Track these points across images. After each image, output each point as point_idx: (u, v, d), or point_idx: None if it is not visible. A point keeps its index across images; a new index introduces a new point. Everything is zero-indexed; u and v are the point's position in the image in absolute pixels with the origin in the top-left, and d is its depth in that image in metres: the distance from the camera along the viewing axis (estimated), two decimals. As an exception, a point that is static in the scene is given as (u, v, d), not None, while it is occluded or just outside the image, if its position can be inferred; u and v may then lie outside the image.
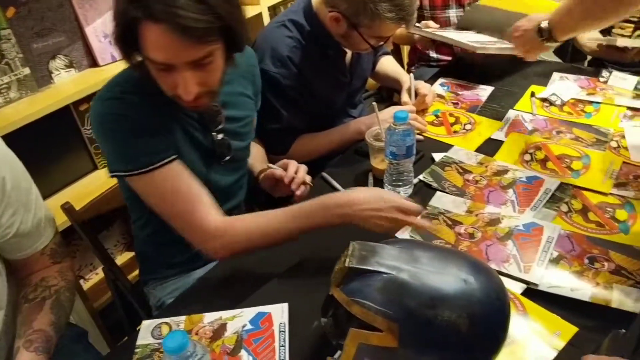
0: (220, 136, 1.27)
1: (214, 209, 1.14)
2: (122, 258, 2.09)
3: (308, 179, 1.36)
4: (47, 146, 1.81)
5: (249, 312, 1.10)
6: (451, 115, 1.71)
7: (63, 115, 1.81)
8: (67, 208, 1.44)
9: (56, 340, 1.11)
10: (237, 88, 1.33)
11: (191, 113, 1.21)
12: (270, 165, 1.38)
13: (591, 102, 1.68)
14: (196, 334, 1.07)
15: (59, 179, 1.89)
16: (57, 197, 1.87)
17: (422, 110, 1.73)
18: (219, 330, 1.08)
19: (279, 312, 1.09)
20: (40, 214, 1.16)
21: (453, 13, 2.19)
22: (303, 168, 1.37)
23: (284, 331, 1.05)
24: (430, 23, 1.99)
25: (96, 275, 2.06)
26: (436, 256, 0.87)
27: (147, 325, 1.11)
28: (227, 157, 1.31)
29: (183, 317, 1.12)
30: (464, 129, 1.63)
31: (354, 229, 1.29)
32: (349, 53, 1.66)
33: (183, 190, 1.14)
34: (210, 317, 1.11)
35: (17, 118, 1.61)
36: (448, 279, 0.83)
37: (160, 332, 1.09)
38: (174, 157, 1.15)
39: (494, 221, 1.24)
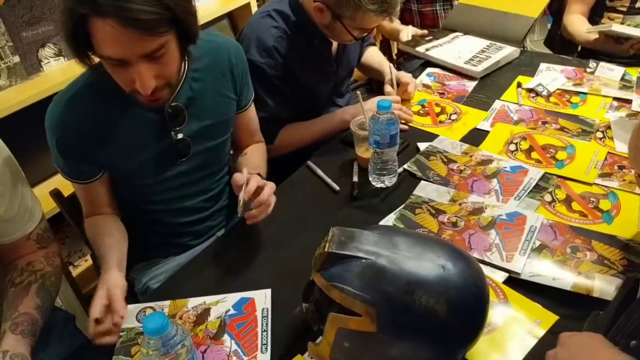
0: (180, 135, 1.27)
1: (93, 212, 1.33)
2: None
3: (271, 200, 1.21)
4: (36, 133, 1.79)
5: (232, 298, 1.11)
6: (437, 105, 1.71)
7: (52, 103, 1.81)
8: (55, 194, 1.45)
9: (42, 323, 1.12)
10: (211, 86, 1.31)
11: (150, 113, 1.21)
12: (237, 175, 1.21)
13: (577, 93, 1.68)
14: (180, 318, 1.08)
15: (48, 166, 1.88)
16: (46, 184, 1.88)
17: (407, 100, 1.73)
18: (203, 315, 1.09)
19: (262, 298, 1.10)
20: (26, 199, 1.17)
21: (439, 7, 2.21)
22: (268, 188, 1.21)
23: (266, 316, 1.06)
24: (418, 31, 2.00)
25: (85, 262, 2.08)
26: (415, 242, 0.88)
27: (131, 309, 1.11)
28: (185, 157, 1.31)
29: (167, 302, 1.13)
30: (449, 119, 1.64)
31: (338, 215, 1.31)
32: (334, 43, 1.66)
33: (84, 195, 1.32)
34: (194, 302, 1.12)
35: (6, 105, 1.63)
36: (426, 264, 0.84)
37: (144, 316, 1.10)
38: (93, 179, 1.27)
39: (478, 210, 1.25)
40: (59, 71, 1.82)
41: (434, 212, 1.27)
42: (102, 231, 1.26)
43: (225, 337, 1.03)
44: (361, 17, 1.42)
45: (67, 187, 1.48)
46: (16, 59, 1.71)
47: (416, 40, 1.99)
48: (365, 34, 1.54)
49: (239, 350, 1.00)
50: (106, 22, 0.95)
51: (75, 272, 2.03)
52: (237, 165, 1.48)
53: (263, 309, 1.08)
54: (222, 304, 1.10)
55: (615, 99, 1.64)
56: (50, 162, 1.86)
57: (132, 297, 1.51)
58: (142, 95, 1.08)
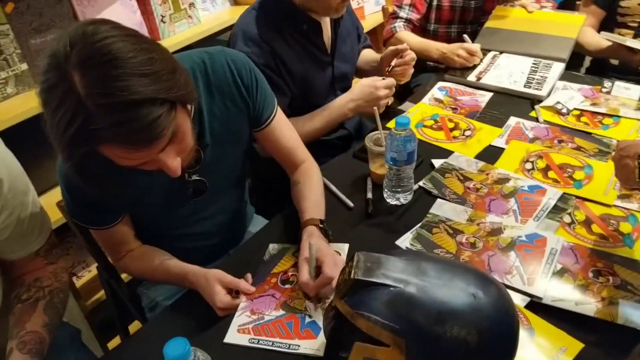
0: (194, 177, 1.21)
1: (124, 252, 1.29)
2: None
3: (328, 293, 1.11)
4: (44, 142, 1.77)
5: None
6: (450, 120, 1.69)
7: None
8: (62, 206, 1.41)
9: (49, 342, 1.10)
10: (218, 114, 1.22)
11: None
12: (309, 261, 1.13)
13: (611, 115, 1.64)
14: None
15: (53, 175, 1.86)
16: (51, 193, 1.85)
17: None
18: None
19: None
20: (36, 216, 1.14)
21: (454, 29, 2.24)
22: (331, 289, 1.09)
23: None
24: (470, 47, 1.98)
25: (89, 273, 2.04)
26: (443, 269, 0.86)
27: None
28: (200, 196, 1.25)
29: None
30: (463, 134, 1.62)
31: (352, 233, 1.28)
32: (326, 31, 1.66)
33: (107, 241, 1.29)
34: None
35: (14, 114, 1.61)
36: (456, 293, 0.81)
37: None
38: (110, 225, 1.23)
39: (496, 231, 1.23)
40: (66, 79, 1.80)
41: (451, 231, 1.24)
42: (157, 258, 1.26)
43: None
44: None
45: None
46: (24, 66, 1.68)
47: (462, 71, 1.96)
48: None
49: None
50: (114, 146, 0.89)
51: (78, 283, 2.00)
52: (294, 199, 1.35)
53: None
54: None
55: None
56: (55, 172, 1.85)
57: (139, 312, 1.49)
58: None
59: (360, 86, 1.62)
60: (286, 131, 1.37)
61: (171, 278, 1.23)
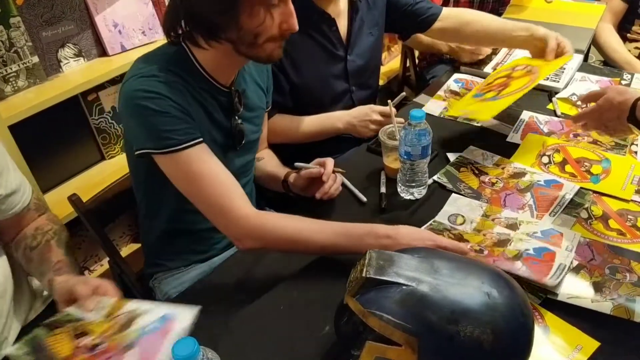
0: (239, 121, 1.28)
1: (246, 199, 1.14)
2: (128, 250, 2.07)
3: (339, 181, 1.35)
4: (55, 136, 1.79)
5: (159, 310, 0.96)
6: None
7: (71, 105, 1.78)
8: (74, 200, 1.41)
9: (77, 272, 1.16)
10: (255, 77, 1.35)
11: (218, 96, 1.21)
12: (302, 164, 1.36)
13: None
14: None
15: (65, 169, 1.87)
16: (63, 187, 1.86)
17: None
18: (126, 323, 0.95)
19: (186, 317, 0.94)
20: (17, 172, 1.22)
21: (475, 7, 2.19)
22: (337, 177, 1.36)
23: None
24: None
25: (101, 267, 2.05)
26: (457, 267, 0.84)
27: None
28: (242, 142, 1.31)
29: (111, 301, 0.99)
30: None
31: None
32: (342, 26, 1.63)
33: (207, 174, 1.12)
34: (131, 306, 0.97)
35: (25, 107, 1.59)
36: (470, 291, 0.80)
37: None
38: (199, 140, 1.13)
39: (512, 226, 1.21)
40: (79, 72, 1.79)
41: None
42: None
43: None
44: None
45: (84, 190, 1.46)
46: (35, 59, 1.67)
47: (479, 64, 1.92)
48: None
49: None
50: None
51: (91, 277, 2.00)
52: (262, 168, 1.50)
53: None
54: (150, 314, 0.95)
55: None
56: (69, 166, 1.87)
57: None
58: (280, 40, 1.14)
59: (359, 107, 1.63)
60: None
61: (355, 235, 1.13)
